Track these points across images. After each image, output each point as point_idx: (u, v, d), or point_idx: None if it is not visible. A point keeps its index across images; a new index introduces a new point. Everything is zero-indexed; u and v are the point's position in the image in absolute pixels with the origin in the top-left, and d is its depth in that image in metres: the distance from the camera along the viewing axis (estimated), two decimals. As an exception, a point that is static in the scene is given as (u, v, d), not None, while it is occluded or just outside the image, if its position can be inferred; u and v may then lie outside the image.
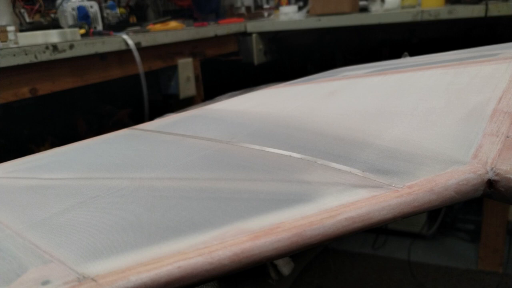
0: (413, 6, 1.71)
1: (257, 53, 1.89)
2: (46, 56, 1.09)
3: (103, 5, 1.64)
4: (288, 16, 1.86)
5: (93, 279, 0.26)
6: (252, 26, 1.86)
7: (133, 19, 1.79)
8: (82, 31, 1.37)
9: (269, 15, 2.11)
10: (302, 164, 0.41)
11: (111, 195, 0.38)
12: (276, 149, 0.46)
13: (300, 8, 1.92)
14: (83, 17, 1.45)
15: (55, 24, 1.49)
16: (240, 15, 2.17)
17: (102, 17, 1.58)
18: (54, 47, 1.11)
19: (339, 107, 0.58)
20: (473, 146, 0.40)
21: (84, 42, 1.19)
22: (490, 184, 0.35)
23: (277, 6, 2.18)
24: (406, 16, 1.58)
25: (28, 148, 1.39)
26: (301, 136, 0.49)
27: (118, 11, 1.69)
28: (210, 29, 1.69)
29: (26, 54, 1.05)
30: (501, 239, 1.72)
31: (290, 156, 0.43)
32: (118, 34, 1.38)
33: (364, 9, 1.76)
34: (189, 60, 1.60)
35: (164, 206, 0.36)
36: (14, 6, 1.50)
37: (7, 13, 1.50)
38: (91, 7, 1.49)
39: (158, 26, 1.64)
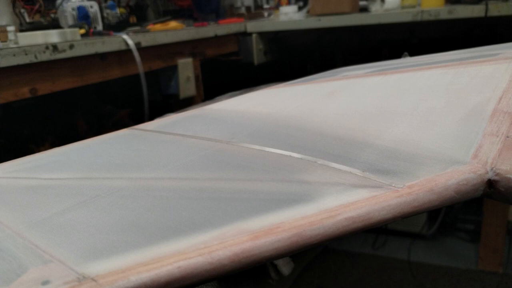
0: (413, 6, 1.71)
1: (257, 53, 1.89)
2: (46, 56, 1.09)
3: (103, 5, 1.64)
4: (288, 16, 1.86)
5: (93, 279, 0.26)
6: (252, 26, 1.86)
7: (133, 19, 1.79)
8: (82, 31, 1.37)
9: (269, 15, 2.11)
10: (302, 164, 0.41)
11: (111, 195, 0.38)
12: (276, 149, 0.46)
13: (300, 8, 1.92)
14: (83, 17, 1.45)
15: (55, 24, 1.49)
16: (240, 15, 2.17)
17: (102, 17, 1.58)
18: (54, 47, 1.11)
19: (339, 107, 0.58)
20: (473, 146, 0.40)
21: (84, 42, 1.19)
22: (490, 184, 0.35)
23: (277, 6, 2.18)
24: (406, 16, 1.58)
25: (28, 148, 1.40)
26: (301, 136, 0.49)
27: (118, 11, 1.69)
28: (210, 29, 1.69)
29: (26, 54, 1.05)
30: (501, 239, 1.72)
31: (290, 156, 0.43)
32: (118, 34, 1.38)
33: (364, 9, 1.76)
34: (189, 60, 1.60)
35: (164, 206, 0.36)
36: (14, 6, 1.50)
37: (7, 13, 1.50)
38: (91, 7, 1.49)
39: (158, 26, 1.64)
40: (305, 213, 0.32)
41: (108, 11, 1.65)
